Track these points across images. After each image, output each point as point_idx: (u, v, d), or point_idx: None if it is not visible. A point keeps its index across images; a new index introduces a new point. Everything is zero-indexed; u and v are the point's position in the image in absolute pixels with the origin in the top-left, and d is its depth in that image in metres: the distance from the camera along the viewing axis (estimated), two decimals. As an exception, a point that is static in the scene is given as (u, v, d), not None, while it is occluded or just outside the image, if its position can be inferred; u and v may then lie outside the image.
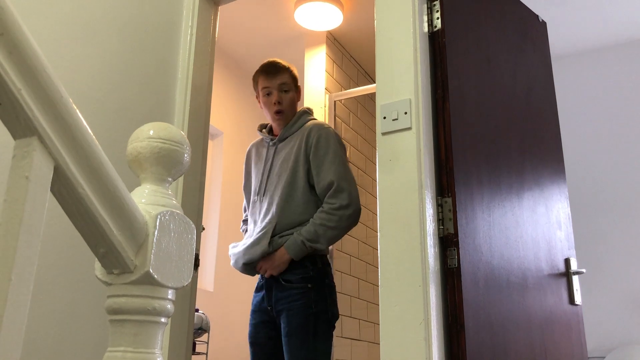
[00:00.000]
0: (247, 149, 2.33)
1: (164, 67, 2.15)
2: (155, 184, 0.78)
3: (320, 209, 2.02)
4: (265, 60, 2.24)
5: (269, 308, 2.03)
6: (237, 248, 2.11)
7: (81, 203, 0.67)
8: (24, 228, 0.60)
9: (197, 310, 2.41)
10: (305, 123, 2.18)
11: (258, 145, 2.29)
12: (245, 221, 2.29)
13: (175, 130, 0.81)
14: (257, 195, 2.15)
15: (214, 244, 3.58)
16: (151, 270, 0.72)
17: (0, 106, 0.61)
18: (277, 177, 2.10)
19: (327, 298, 2.00)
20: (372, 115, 3.99)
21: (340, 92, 3.52)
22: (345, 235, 3.38)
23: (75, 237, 1.68)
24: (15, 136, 0.64)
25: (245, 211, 2.30)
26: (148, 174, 0.78)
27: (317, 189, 2.05)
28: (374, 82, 3.31)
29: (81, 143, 0.66)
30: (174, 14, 2.23)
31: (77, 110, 0.67)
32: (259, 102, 2.23)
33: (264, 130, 2.27)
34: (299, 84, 2.25)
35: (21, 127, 0.62)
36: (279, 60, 2.23)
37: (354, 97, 3.65)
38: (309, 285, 1.98)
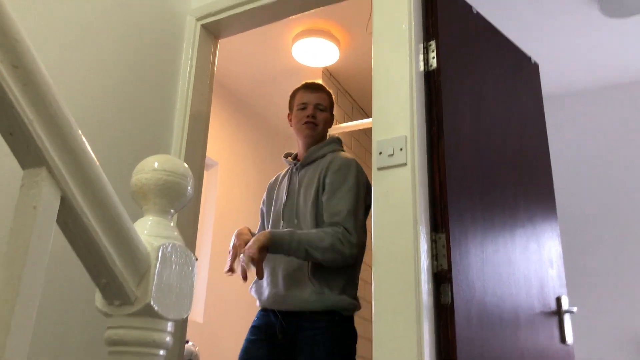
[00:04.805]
0: (268, 184, 2.23)
1: (163, 97, 2.18)
2: (158, 215, 0.79)
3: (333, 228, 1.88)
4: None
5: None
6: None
7: (86, 233, 0.68)
8: (29, 257, 0.60)
9: (186, 342, 2.38)
10: (332, 151, 2.07)
11: (278, 176, 2.22)
12: None
13: (179, 162, 0.82)
14: (282, 218, 2.04)
15: (204, 274, 3.55)
16: (152, 303, 0.72)
17: (11, 136, 0.62)
18: (304, 203, 2.00)
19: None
20: (366, 149, 4.02)
21: (335, 126, 3.55)
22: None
23: (70, 268, 1.66)
24: (24, 166, 0.64)
25: None
26: (151, 205, 0.79)
27: (326, 212, 1.92)
28: (369, 117, 3.35)
29: (89, 174, 0.67)
30: (174, 47, 2.27)
31: (86, 142, 0.68)
32: (290, 120, 2.16)
33: (289, 157, 2.18)
34: (334, 113, 2.18)
35: (31, 157, 0.63)
36: (321, 83, 2.18)
37: (349, 131, 3.69)
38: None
